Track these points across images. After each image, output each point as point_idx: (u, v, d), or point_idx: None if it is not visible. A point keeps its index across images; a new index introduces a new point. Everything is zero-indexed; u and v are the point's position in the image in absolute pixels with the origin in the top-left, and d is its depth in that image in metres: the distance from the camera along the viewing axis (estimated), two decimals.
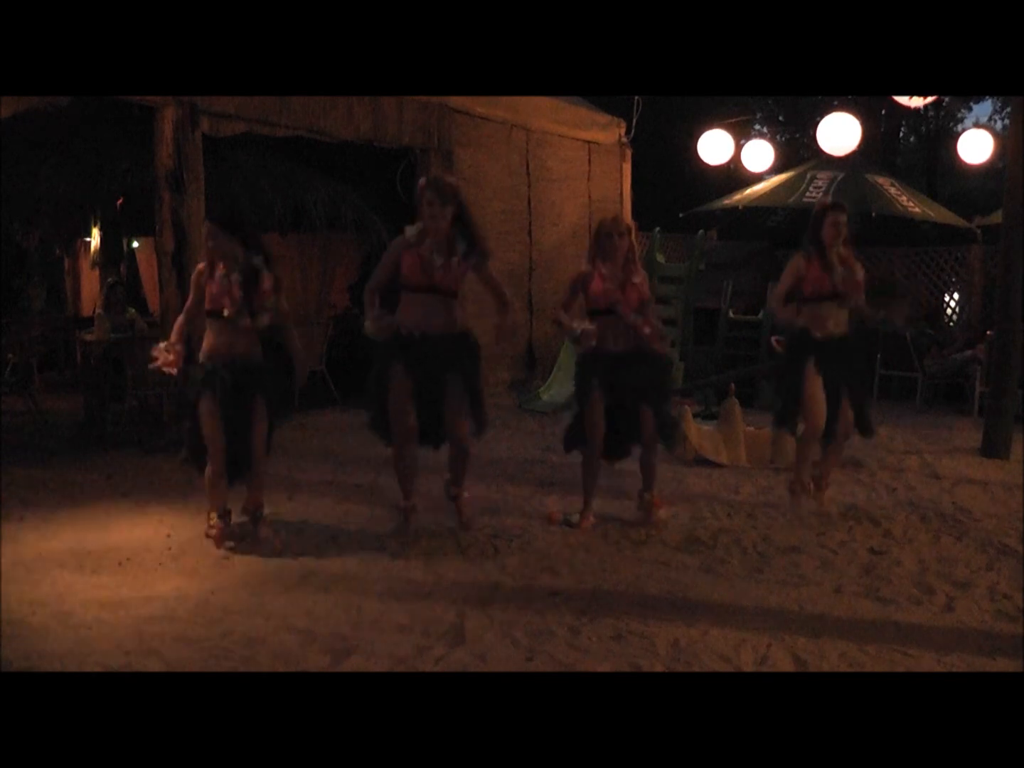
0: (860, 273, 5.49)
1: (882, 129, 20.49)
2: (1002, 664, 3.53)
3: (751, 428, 7.27)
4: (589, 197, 11.87)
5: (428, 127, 9.44)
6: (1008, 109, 14.21)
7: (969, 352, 9.80)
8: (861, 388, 5.63)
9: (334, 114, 8.50)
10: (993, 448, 7.35)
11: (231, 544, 4.91)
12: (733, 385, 7.42)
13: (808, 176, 10.81)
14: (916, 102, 9.62)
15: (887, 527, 5.40)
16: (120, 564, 4.66)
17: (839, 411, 5.47)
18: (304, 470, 6.49)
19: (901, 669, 3.48)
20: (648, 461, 5.40)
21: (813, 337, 5.37)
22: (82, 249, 12.98)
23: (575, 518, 5.39)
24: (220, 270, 4.86)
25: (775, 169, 12.48)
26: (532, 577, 4.52)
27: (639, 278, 5.26)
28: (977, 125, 11.42)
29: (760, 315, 10.30)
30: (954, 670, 3.47)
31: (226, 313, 4.80)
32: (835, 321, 5.42)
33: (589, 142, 11.82)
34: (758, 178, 12.04)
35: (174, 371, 5.05)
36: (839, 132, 10.22)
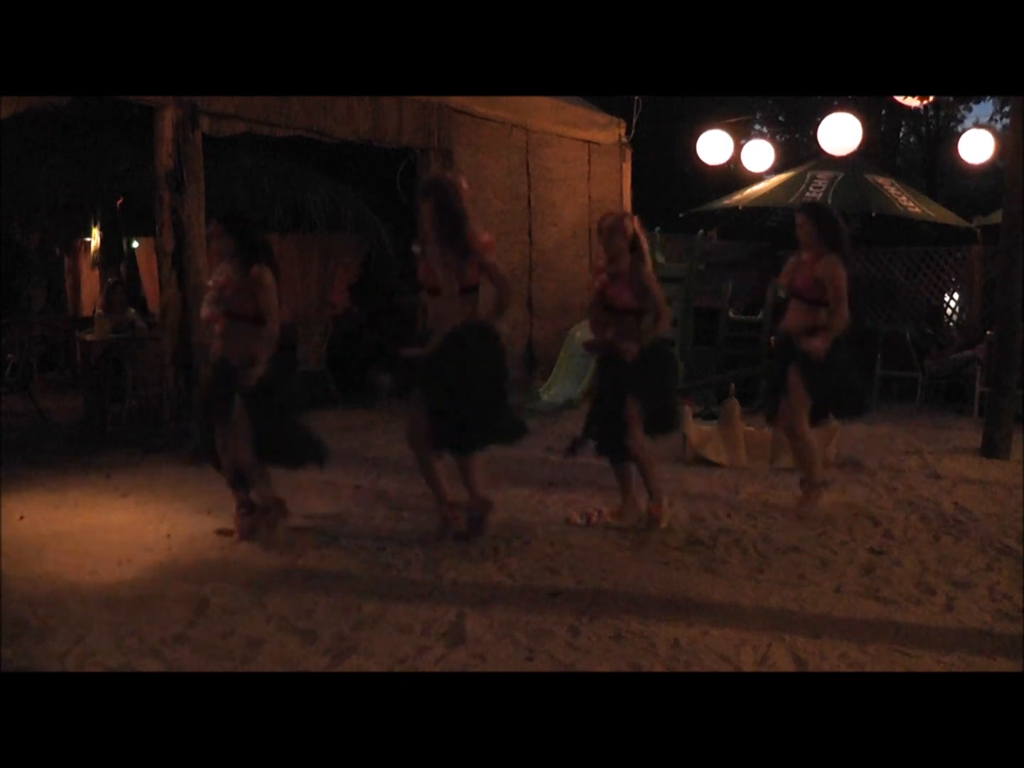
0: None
1: (882, 129, 20.50)
2: (1002, 664, 3.53)
3: (751, 428, 7.26)
4: (589, 197, 11.87)
5: (428, 127, 9.44)
6: (1008, 109, 14.21)
7: (969, 352, 9.79)
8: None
9: (334, 114, 8.50)
10: (993, 448, 7.35)
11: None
12: (733, 385, 7.42)
13: (808, 176, 10.80)
14: (913, 102, 9.60)
15: (887, 527, 5.40)
16: (120, 564, 4.66)
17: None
18: (304, 470, 6.46)
19: (901, 669, 3.48)
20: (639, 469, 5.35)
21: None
22: (82, 249, 12.98)
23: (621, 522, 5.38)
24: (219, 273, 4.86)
25: (775, 169, 12.47)
26: (532, 577, 4.52)
27: (626, 277, 5.13)
28: (977, 125, 11.37)
29: (760, 315, 10.30)
30: (954, 670, 3.47)
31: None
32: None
33: (589, 142, 11.82)
34: (758, 178, 12.03)
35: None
36: (840, 132, 10.21)
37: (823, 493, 5.70)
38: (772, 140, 15.71)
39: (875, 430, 8.43)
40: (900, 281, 12.05)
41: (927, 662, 3.54)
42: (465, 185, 4.96)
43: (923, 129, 26.14)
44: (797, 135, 24.49)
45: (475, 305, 4.95)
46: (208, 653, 3.62)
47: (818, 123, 10.69)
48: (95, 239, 11.88)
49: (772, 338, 6.11)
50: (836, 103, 13.31)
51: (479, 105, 9.98)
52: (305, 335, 9.29)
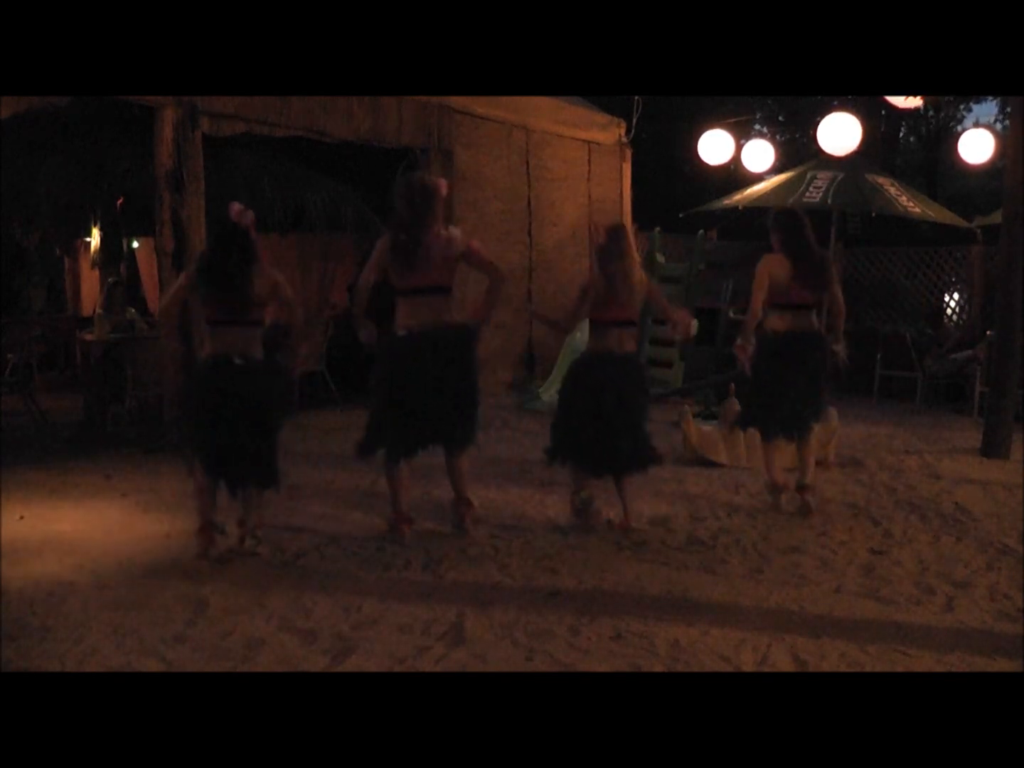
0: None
1: (882, 129, 20.48)
2: (1002, 664, 3.53)
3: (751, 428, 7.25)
4: (589, 197, 11.87)
5: (428, 127, 9.44)
6: (1009, 110, 14.17)
7: (969, 352, 9.79)
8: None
9: (334, 114, 8.50)
10: (993, 448, 7.35)
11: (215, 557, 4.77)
12: (733, 385, 7.42)
13: (808, 176, 10.77)
14: (910, 103, 9.59)
15: (887, 527, 5.40)
16: (120, 564, 4.66)
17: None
18: (304, 471, 6.48)
19: (901, 669, 3.48)
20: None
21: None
22: (82, 249, 12.97)
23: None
24: None
25: (775, 169, 12.45)
26: (532, 577, 4.52)
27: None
28: (978, 125, 11.34)
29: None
30: (954, 670, 3.47)
31: None
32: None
33: (589, 142, 11.82)
34: (758, 178, 12.01)
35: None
36: (839, 132, 10.19)
37: (796, 494, 5.70)
38: (772, 140, 15.69)
39: (875, 430, 8.44)
40: (900, 281, 12.03)
41: (927, 662, 3.54)
42: (444, 189, 5.08)
43: (923, 129, 26.12)
44: (797, 135, 24.48)
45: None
46: (208, 653, 3.62)
47: (818, 123, 10.67)
48: (95, 239, 11.88)
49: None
50: (836, 103, 13.29)
51: (479, 105, 9.97)
52: (305, 335, 9.29)
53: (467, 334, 5.00)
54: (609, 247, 5.24)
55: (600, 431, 5.13)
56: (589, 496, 5.33)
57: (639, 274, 5.25)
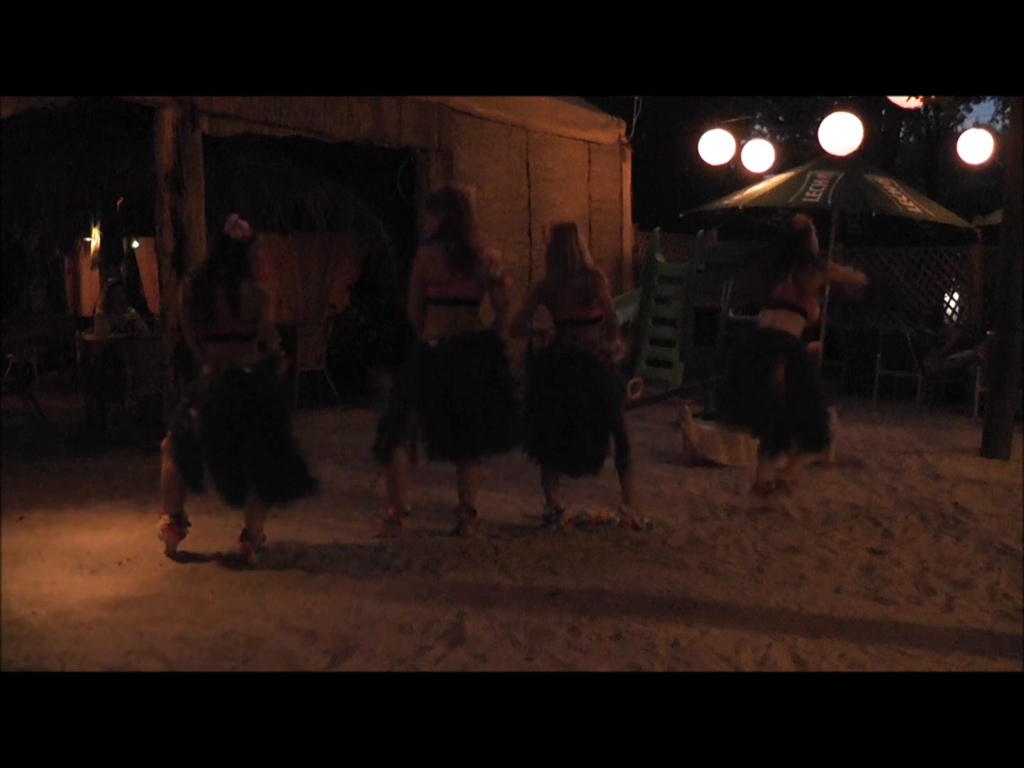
0: None
1: (882, 129, 20.49)
2: (1002, 664, 3.53)
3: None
4: (589, 197, 11.87)
5: (428, 127, 9.43)
6: (1009, 109, 14.17)
7: (969, 352, 9.80)
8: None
9: (334, 114, 8.49)
10: (993, 448, 7.35)
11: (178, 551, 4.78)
12: None
13: (808, 176, 10.78)
14: (913, 103, 9.60)
15: (887, 527, 5.40)
16: (120, 564, 4.66)
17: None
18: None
19: (901, 669, 3.48)
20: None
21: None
22: (82, 249, 12.97)
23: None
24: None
25: (775, 169, 12.47)
26: (532, 577, 4.52)
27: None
28: (977, 125, 11.36)
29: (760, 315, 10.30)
30: (954, 670, 3.47)
31: None
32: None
33: (589, 142, 11.83)
34: (758, 178, 12.02)
35: None
36: (841, 132, 10.21)
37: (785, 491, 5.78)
38: (772, 140, 15.71)
39: (875, 430, 8.44)
40: (900, 281, 12.04)
41: (927, 662, 3.54)
42: (473, 195, 5.06)
43: (923, 129, 26.12)
44: (797, 135, 24.50)
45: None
46: (208, 653, 3.62)
47: (818, 123, 10.69)
48: (95, 239, 11.88)
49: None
50: (836, 103, 13.30)
51: (479, 105, 9.97)
52: (305, 335, 9.31)
53: (495, 338, 5.13)
54: (554, 247, 5.23)
55: (553, 428, 5.16)
56: (555, 510, 5.34)
57: (588, 274, 5.18)
